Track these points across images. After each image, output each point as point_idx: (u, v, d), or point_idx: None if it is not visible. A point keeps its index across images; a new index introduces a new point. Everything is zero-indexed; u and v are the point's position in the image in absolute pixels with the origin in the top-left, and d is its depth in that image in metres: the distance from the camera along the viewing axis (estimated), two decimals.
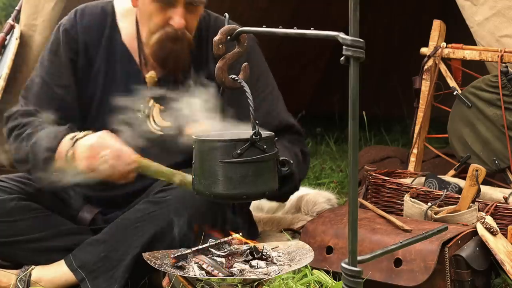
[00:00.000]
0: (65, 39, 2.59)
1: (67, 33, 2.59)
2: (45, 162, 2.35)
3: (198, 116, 2.28)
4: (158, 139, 2.52)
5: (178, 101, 2.45)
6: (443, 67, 3.24)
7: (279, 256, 2.13)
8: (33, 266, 2.46)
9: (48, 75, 2.58)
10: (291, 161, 1.93)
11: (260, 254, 2.06)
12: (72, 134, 2.36)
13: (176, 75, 2.53)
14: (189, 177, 2.12)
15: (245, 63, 1.91)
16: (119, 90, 2.52)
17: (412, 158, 3.32)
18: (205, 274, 1.98)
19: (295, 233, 3.05)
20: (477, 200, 2.63)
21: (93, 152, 2.27)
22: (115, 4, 2.64)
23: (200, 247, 2.13)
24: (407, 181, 2.97)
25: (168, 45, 2.45)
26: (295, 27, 1.56)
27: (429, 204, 2.65)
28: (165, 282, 2.30)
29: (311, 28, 1.50)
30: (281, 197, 2.60)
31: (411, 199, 2.71)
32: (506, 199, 2.78)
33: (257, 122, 1.82)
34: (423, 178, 3.01)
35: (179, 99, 2.43)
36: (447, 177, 3.04)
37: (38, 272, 2.45)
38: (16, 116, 2.55)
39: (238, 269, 2.00)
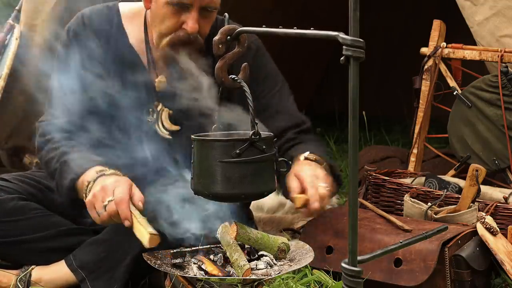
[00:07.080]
0: (76, 43, 2.54)
1: (77, 37, 2.55)
2: (68, 187, 2.33)
3: (209, 117, 2.27)
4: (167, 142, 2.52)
5: (188, 104, 2.43)
6: (443, 67, 3.24)
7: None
8: (33, 266, 2.45)
9: (64, 81, 2.51)
10: (290, 162, 1.93)
11: (257, 256, 2.06)
12: (100, 168, 2.30)
13: (184, 78, 2.48)
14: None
15: (245, 63, 1.91)
16: (127, 93, 2.49)
17: (412, 158, 3.31)
18: (204, 274, 1.98)
19: (295, 233, 3.05)
20: (477, 200, 2.62)
21: (101, 192, 2.21)
22: (120, 7, 2.61)
23: (200, 247, 2.13)
24: (407, 181, 2.96)
25: (179, 49, 2.40)
26: (295, 27, 1.56)
27: (429, 204, 2.65)
28: (167, 281, 2.30)
29: (311, 28, 1.50)
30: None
31: (411, 199, 2.71)
32: (506, 199, 2.78)
33: (257, 122, 1.82)
34: (423, 178, 3.01)
35: (188, 102, 2.41)
36: (447, 177, 3.04)
37: (38, 272, 2.44)
38: (50, 129, 2.49)
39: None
